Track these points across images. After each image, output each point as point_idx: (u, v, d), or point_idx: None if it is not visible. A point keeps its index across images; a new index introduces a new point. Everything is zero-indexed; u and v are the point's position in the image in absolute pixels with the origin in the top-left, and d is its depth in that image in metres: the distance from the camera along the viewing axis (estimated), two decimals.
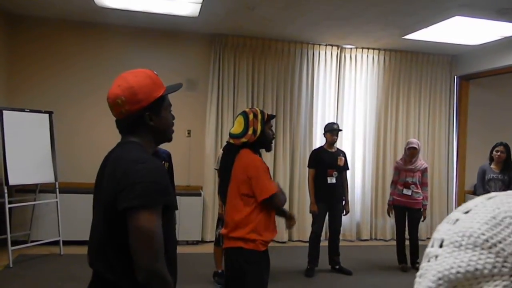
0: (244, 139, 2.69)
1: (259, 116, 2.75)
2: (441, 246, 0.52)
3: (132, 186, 1.42)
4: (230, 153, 2.79)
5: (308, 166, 5.22)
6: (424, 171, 5.27)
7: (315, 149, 5.36)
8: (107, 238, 1.53)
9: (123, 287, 1.50)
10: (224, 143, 6.01)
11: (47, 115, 5.33)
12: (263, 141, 2.78)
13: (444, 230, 0.54)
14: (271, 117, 2.86)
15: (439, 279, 0.49)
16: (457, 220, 0.54)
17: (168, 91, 1.63)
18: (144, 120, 1.56)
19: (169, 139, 1.70)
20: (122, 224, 1.44)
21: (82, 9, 5.41)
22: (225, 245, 2.74)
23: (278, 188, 2.70)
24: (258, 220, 2.61)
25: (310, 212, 5.15)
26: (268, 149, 2.88)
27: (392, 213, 5.40)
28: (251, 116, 2.73)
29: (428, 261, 0.52)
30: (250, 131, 2.69)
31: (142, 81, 1.55)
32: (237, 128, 2.73)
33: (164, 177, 1.51)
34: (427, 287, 0.50)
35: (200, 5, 4.87)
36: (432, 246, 0.54)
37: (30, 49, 5.88)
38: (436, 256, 0.51)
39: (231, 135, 2.76)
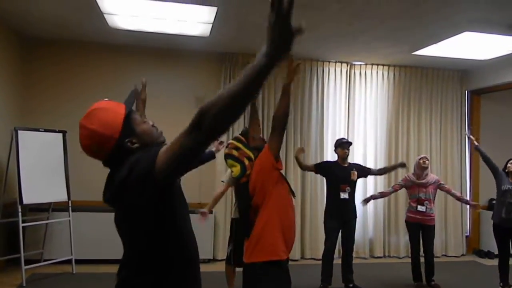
0: (248, 171, 2.71)
1: (240, 145, 2.78)
2: None
3: (129, 174, 1.42)
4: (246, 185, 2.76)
5: (314, 165, 5.20)
6: (438, 185, 5.21)
7: (328, 161, 5.29)
8: (127, 239, 1.58)
9: (136, 285, 1.52)
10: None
11: (61, 135, 5.40)
12: (262, 149, 2.81)
13: None
14: (244, 132, 2.88)
15: None
16: None
17: (128, 107, 1.58)
18: (128, 147, 1.52)
19: (162, 142, 1.61)
20: (138, 220, 1.48)
21: (95, 31, 5.53)
22: (246, 260, 2.71)
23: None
24: (271, 229, 2.62)
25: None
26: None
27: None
28: (235, 152, 2.75)
29: None
30: (247, 162, 2.72)
31: (100, 119, 1.50)
32: (236, 171, 2.75)
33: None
34: None
35: (210, 25, 4.95)
36: None
37: (43, 69, 6.00)
38: None
39: (238, 178, 2.76)
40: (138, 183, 1.40)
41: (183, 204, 1.64)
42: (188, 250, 1.60)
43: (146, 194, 1.41)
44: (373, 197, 5.54)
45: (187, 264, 1.59)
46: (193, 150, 1.28)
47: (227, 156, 2.78)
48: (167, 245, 1.52)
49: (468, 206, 7.11)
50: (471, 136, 5.42)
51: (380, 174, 5.47)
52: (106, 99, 1.59)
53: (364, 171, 5.21)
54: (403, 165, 5.23)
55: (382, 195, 5.59)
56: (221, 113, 1.21)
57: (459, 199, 5.37)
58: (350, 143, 5.18)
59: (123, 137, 1.51)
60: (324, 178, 5.28)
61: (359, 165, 5.29)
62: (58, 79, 6.04)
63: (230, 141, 2.86)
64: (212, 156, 3.56)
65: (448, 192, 5.31)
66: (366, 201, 5.43)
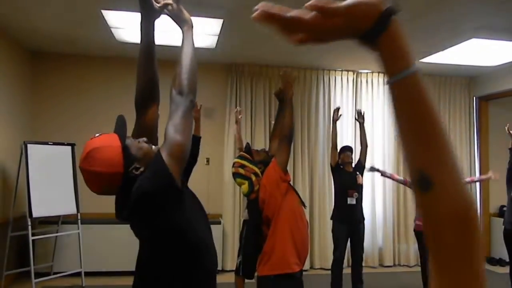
0: (256, 187, 2.73)
1: (245, 162, 2.81)
2: None
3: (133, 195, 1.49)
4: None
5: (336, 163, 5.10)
6: None
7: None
8: (144, 251, 1.64)
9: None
10: None
11: (69, 147, 5.44)
12: (268, 161, 2.81)
13: None
14: (247, 149, 2.91)
15: None
16: None
17: (121, 137, 1.56)
18: (135, 175, 1.53)
19: None
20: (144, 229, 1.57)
21: (103, 45, 5.59)
22: (259, 273, 2.72)
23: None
24: (283, 240, 2.62)
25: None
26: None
27: None
28: (241, 171, 2.79)
29: None
30: (254, 178, 2.75)
31: (99, 159, 1.48)
32: (244, 188, 2.79)
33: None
34: None
35: (217, 37, 4.98)
36: None
37: (52, 83, 6.08)
38: None
39: (248, 195, 2.80)
40: (156, 183, 1.46)
41: (199, 214, 1.71)
42: (204, 262, 1.64)
43: (164, 195, 1.47)
44: (382, 172, 5.44)
45: (203, 276, 1.62)
46: (187, 109, 1.56)
47: (235, 175, 2.82)
48: (183, 255, 1.56)
49: (478, 213, 7.05)
50: None
51: (366, 147, 5.30)
52: (97, 134, 1.57)
53: (361, 166, 5.16)
54: (360, 117, 5.28)
55: (391, 176, 5.48)
56: (190, 76, 1.68)
57: (473, 181, 5.29)
58: (351, 147, 5.18)
59: (127, 168, 1.51)
60: (332, 186, 5.26)
61: (356, 164, 5.20)
62: (66, 93, 6.11)
63: (235, 160, 2.89)
64: (197, 139, 3.68)
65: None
66: (373, 169, 5.37)
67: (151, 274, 1.57)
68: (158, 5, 1.67)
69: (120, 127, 1.61)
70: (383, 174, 5.49)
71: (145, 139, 1.64)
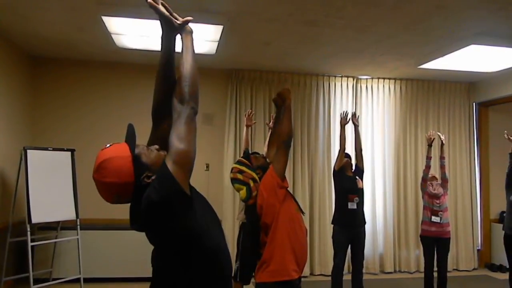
0: (254, 193, 2.72)
1: (243, 167, 2.79)
2: None
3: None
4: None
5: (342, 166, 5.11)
6: (443, 187, 5.19)
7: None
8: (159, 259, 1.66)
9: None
10: None
11: (69, 153, 5.43)
12: (267, 167, 2.80)
13: None
14: (246, 155, 2.91)
15: None
16: None
17: (131, 145, 1.58)
18: (146, 183, 1.54)
19: None
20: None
21: (103, 51, 5.61)
22: (257, 280, 2.71)
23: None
24: (282, 247, 2.61)
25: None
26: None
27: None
28: (240, 176, 2.77)
29: None
30: (252, 184, 2.73)
31: (110, 170, 1.51)
32: (242, 193, 2.76)
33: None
34: None
35: (217, 43, 5.00)
36: None
37: (52, 88, 6.08)
38: None
39: (246, 201, 2.78)
40: (162, 192, 1.47)
41: (211, 219, 1.74)
42: (219, 266, 1.65)
43: (172, 202, 1.48)
44: (427, 152, 5.34)
45: (219, 281, 1.64)
46: (189, 116, 1.59)
47: (233, 181, 2.80)
48: (198, 260, 1.57)
49: (479, 219, 7.05)
50: None
51: (360, 151, 5.31)
52: (108, 145, 1.59)
53: (359, 170, 5.18)
54: (355, 119, 5.36)
55: (428, 163, 5.31)
56: (191, 83, 1.64)
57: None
58: (349, 154, 5.20)
59: (138, 177, 1.54)
60: (333, 192, 5.26)
61: (355, 169, 5.20)
62: (67, 99, 6.11)
63: (234, 165, 2.88)
64: None
65: (443, 172, 5.24)
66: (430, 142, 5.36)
67: (167, 281, 1.59)
68: (178, 22, 1.67)
69: (130, 135, 1.62)
70: (428, 154, 5.33)
71: (156, 146, 1.66)
